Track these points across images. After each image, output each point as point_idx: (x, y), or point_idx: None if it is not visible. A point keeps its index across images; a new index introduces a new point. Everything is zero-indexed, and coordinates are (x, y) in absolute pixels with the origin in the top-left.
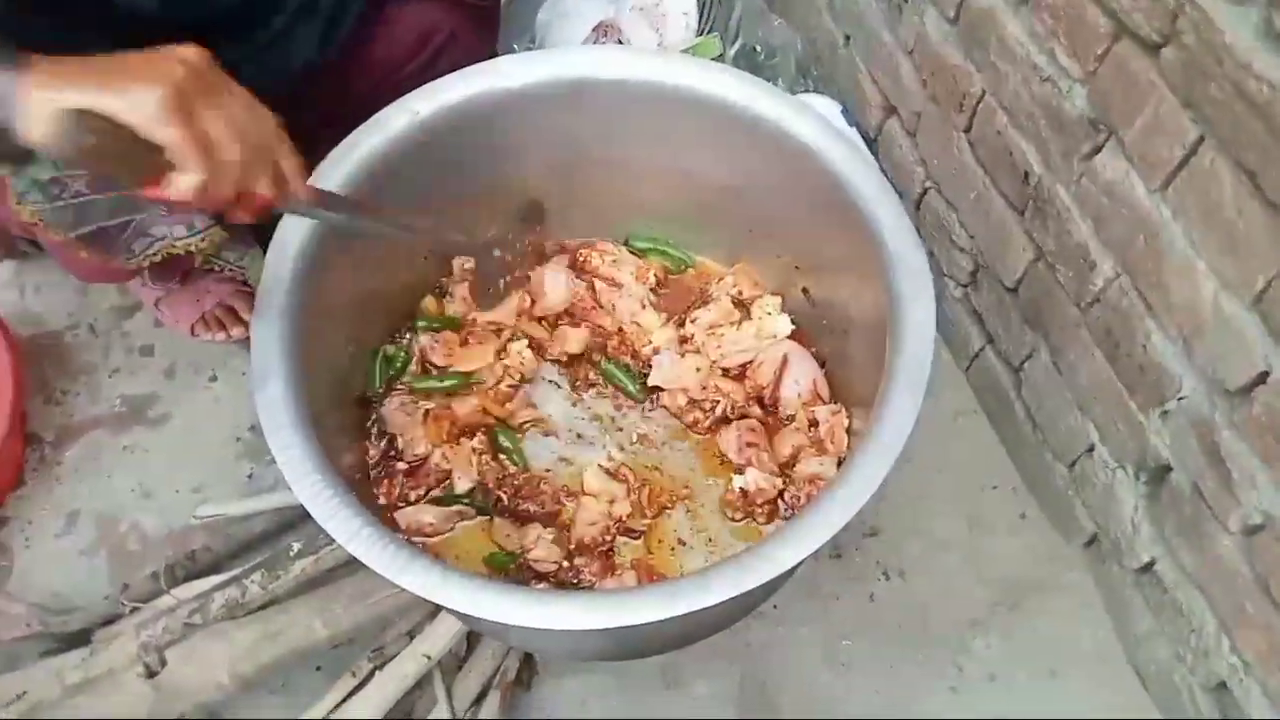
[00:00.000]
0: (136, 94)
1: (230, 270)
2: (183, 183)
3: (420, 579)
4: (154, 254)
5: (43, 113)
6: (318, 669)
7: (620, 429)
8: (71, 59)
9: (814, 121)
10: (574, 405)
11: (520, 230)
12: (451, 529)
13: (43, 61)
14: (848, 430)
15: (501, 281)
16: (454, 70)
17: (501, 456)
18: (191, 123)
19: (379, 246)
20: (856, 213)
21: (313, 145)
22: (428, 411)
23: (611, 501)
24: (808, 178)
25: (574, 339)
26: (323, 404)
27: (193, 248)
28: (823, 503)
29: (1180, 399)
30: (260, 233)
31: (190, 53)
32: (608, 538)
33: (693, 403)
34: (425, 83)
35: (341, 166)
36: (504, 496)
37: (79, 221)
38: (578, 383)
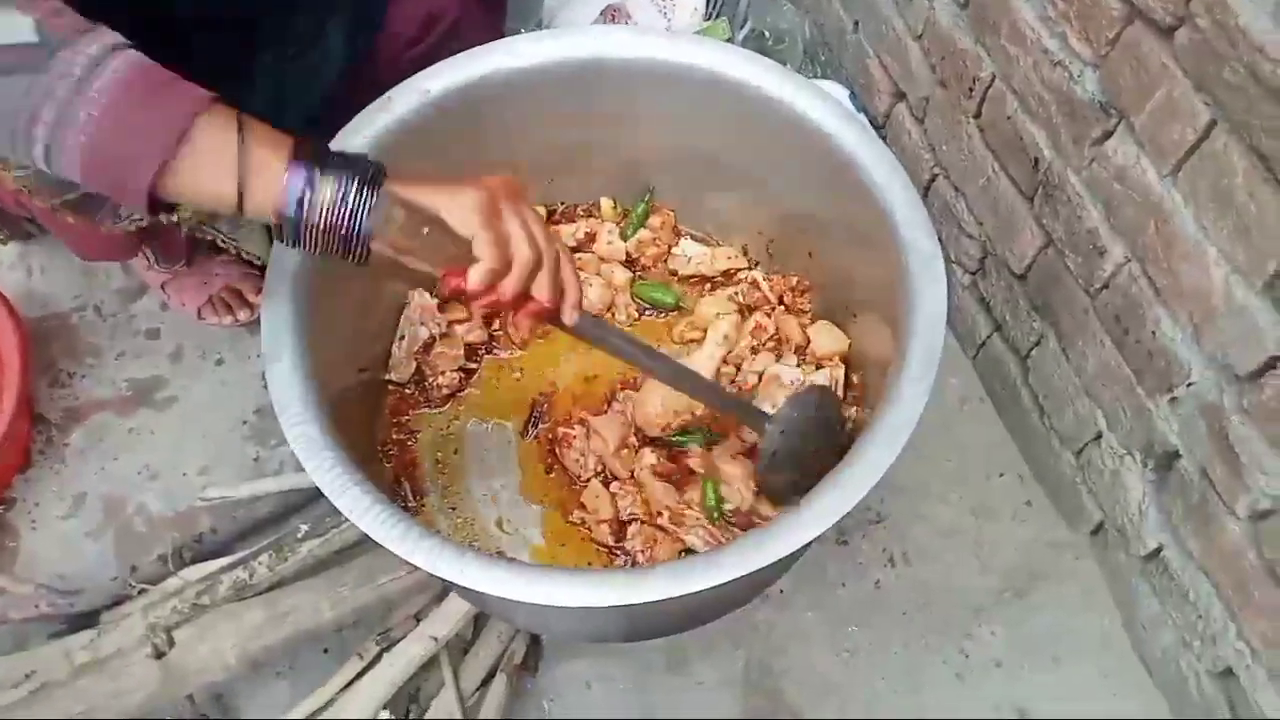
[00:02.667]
0: (460, 198)
1: (225, 242)
2: (477, 271)
3: (432, 556)
4: (140, 219)
5: (394, 216)
6: (325, 651)
7: None
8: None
9: (826, 104)
10: None
11: None
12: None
13: (395, 178)
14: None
15: None
16: (461, 52)
17: None
18: (494, 224)
19: None
20: (868, 196)
21: (325, 129)
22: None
23: None
24: (819, 160)
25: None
26: (333, 381)
27: (175, 217)
28: (832, 485)
29: (1189, 385)
30: None
31: (507, 176)
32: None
33: None
34: (433, 64)
35: (352, 144)
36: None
37: (64, 187)
38: None
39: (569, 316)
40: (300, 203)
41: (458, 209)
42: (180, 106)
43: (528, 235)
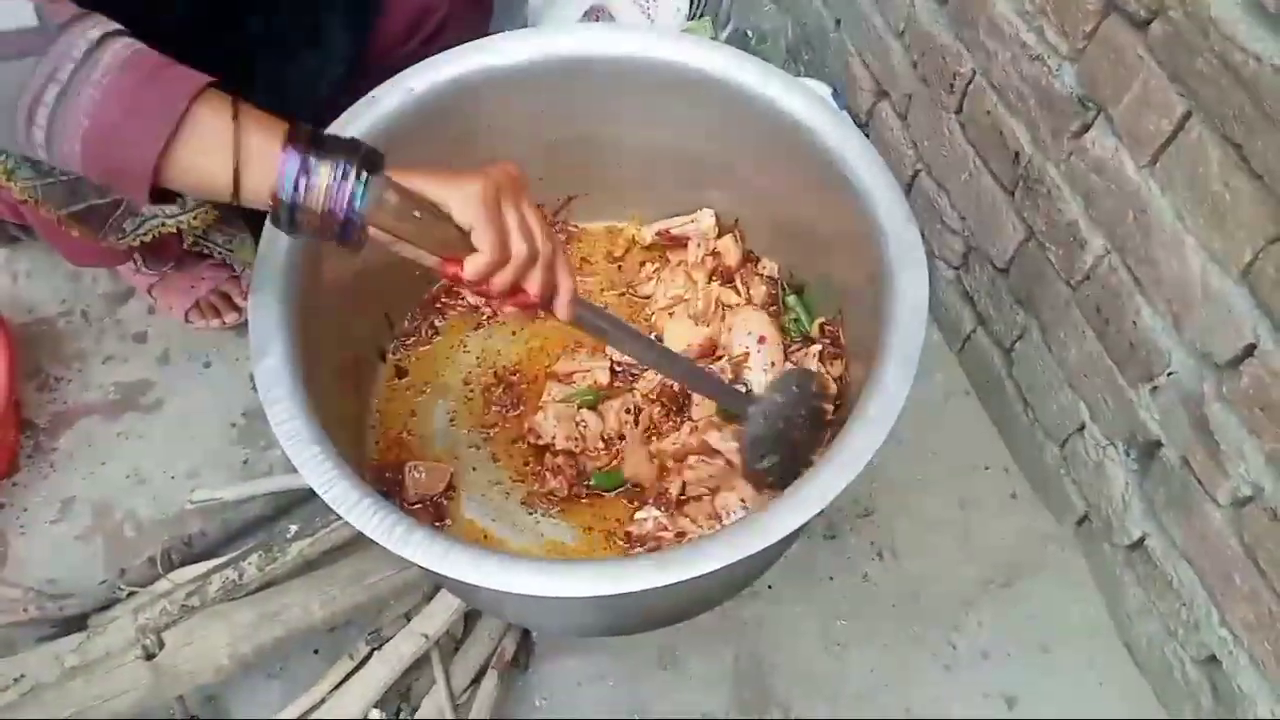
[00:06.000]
0: (464, 187)
1: (220, 254)
2: (474, 262)
3: (421, 549)
4: (144, 233)
5: (386, 200)
6: (315, 652)
7: None
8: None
9: (809, 100)
10: None
11: None
12: None
13: (395, 166)
14: None
15: None
16: (447, 49)
17: None
18: (495, 216)
19: None
20: (849, 189)
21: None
22: None
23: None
24: (801, 154)
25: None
26: (322, 375)
27: (183, 224)
28: (817, 475)
29: (1169, 374)
30: (250, 217)
31: (510, 165)
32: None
33: None
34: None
35: None
36: None
37: (70, 199)
38: None
39: (563, 312)
40: (296, 185)
41: (460, 198)
42: (178, 88)
43: (525, 230)
